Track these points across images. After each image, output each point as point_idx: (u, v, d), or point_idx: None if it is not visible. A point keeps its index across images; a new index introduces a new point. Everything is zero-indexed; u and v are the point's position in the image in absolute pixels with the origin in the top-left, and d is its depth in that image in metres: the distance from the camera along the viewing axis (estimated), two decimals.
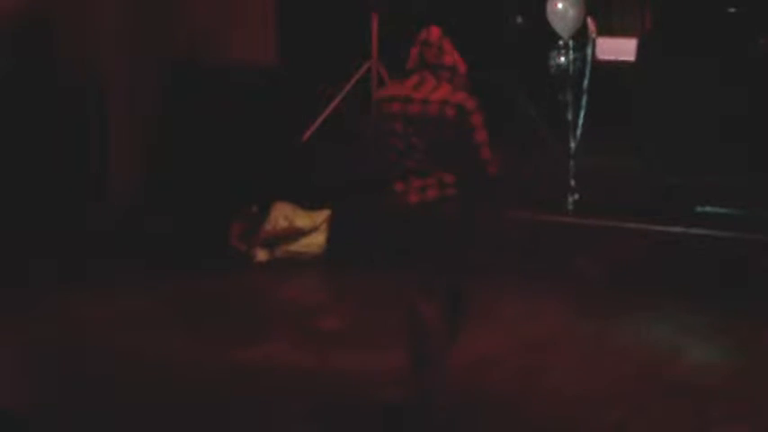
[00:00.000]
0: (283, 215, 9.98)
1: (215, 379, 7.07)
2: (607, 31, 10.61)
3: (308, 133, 10.89)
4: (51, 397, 6.78)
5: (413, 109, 6.15)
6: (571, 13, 9.39)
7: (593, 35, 9.83)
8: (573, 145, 9.62)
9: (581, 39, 9.63)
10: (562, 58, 9.52)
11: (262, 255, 9.85)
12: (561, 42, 9.49)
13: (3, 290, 8.44)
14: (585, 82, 9.66)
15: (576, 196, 9.50)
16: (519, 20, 11.41)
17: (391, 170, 6.28)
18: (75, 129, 9.62)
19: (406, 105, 6.17)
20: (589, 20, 9.71)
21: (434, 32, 6.29)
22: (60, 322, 8.05)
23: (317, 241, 9.90)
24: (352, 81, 10.94)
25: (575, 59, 9.50)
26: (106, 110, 9.80)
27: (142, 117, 10.01)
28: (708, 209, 9.30)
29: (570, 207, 9.48)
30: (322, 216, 9.98)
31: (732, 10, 9.84)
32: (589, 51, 9.74)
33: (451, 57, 6.27)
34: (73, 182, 9.53)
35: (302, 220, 9.96)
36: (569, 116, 9.62)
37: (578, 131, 9.67)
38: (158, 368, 7.21)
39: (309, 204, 10.10)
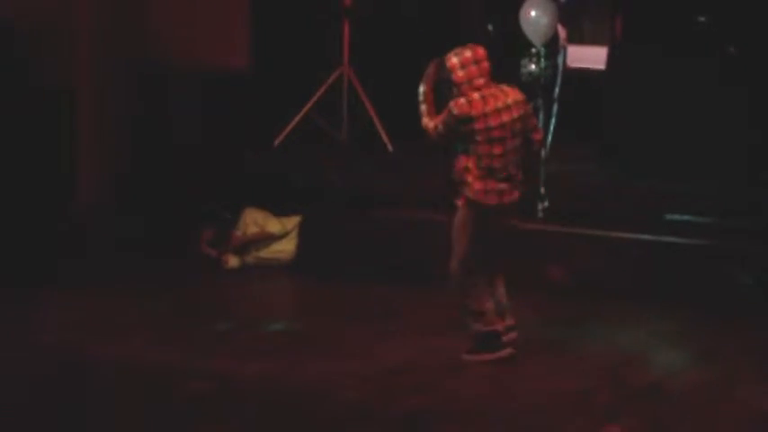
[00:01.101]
0: (254, 221, 9.97)
1: (184, 384, 7.05)
2: (578, 39, 10.65)
3: (280, 138, 10.88)
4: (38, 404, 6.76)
5: (505, 117, 7.23)
6: (544, 20, 9.41)
7: (564, 43, 9.87)
8: (543, 152, 9.63)
9: (552, 47, 9.65)
10: (533, 66, 9.53)
11: (232, 261, 9.84)
12: (533, 50, 9.50)
13: None
14: (556, 90, 9.69)
15: (546, 203, 9.52)
16: (489, 27, 11.43)
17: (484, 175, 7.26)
18: (45, 129, 9.57)
19: (500, 115, 7.22)
20: (560, 28, 9.74)
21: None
22: (26, 324, 8.02)
23: (287, 248, 9.90)
24: (323, 87, 10.93)
25: (546, 67, 9.52)
26: (76, 110, 9.75)
27: (112, 118, 9.97)
28: (677, 217, 9.33)
29: (540, 214, 9.49)
30: (293, 222, 9.98)
31: (702, 19, 9.91)
32: (560, 59, 9.78)
33: None
34: (42, 182, 9.48)
35: (273, 225, 9.95)
36: (540, 123, 9.64)
37: (549, 139, 9.69)
38: (125, 373, 7.19)
39: (280, 210, 10.09)
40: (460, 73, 7.26)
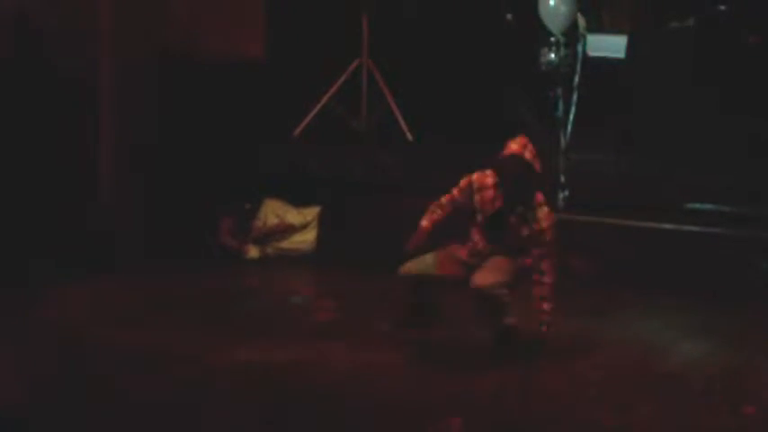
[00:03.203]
0: (274, 212, 9.99)
1: (209, 375, 7.05)
2: (597, 27, 10.62)
3: (299, 129, 10.88)
4: (50, 396, 6.75)
5: None
6: (563, 9, 9.39)
7: (584, 32, 9.84)
8: (563, 141, 9.63)
9: (572, 35, 9.63)
10: (552, 55, 9.52)
11: (253, 252, 9.86)
12: (552, 39, 9.49)
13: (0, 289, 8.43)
14: (576, 79, 9.67)
15: (567, 192, 9.51)
16: (509, 17, 11.40)
17: None
18: (65, 127, 9.59)
19: None
20: (579, 16, 9.71)
21: None
22: (56, 322, 8.03)
23: (307, 238, 9.92)
24: (342, 78, 10.92)
25: (565, 56, 9.50)
26: (96, 108, 9.77)
27: (131, 114, 9.97)
28: (698, 205, 9.32)
29: (561, 203, 9.48)
30: (312, 213, 9.99)
31: (722, 8, 9.88)
32: (580, 48, 9.75)
33: None
34: (63, 180, 9.50)
35: (293, 216, 9.97)
36: (559, 113, 9.62)
37: (568, 128, 9.67)
38: (153, 365, 7.20)
39: (300, 201, 10.11)
40: None
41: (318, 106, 10.89)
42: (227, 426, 6.39)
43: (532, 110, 10.63)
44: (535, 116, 10.60)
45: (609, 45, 10.67)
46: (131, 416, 6.47)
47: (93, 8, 9.69)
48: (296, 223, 9.93)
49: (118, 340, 7.62)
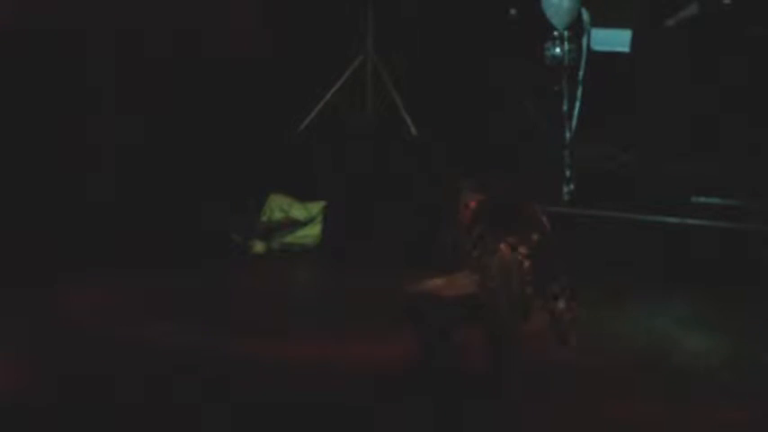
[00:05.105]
0: (279, 207, 10.00)
1: (213, 370, 7.05)
2: (602, 21, 10.60)
3: (304, 124, 10.89)
4: (51, 392, 6.76)
5: None
6: (566, 3, 9.39)
7: (588, 26, 9.84)
8: (568, 135, 9.62)
9: (576, 30, 9.63)
10: (557, 49, 9.53)
11: (258, 247, 9.86)
12: (556, 33, 9.48)
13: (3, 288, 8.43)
14: (581, 73, 9.66)
15: (572, 187, 9.51)
16: (512, 11, 11.39)
17: None
18: (59, 122, 9.60)
19: None
20: (584, 10, 9.72)
21: None
22: (57, 317, 8.03)
23: (312, 233, 9.93)
24: (346, 74, 10.93)
25: (570, 50, 9.50)
26: (97, 106, 9.79)
27: (134, 110, 9.98)
28: (704, 199, 9.31)
29: (565, 197, 9.48)
30: (317, 207, 10.01)
31: (728, 2, 9.87)
32: (584, 42, 9.75)
33: None
34: (59, 180, 9.52)
35: (298, 211, 9.98)
36: (564, 107, 9.62)
37: (573, 122, 9.67)
38: (157, 360, 7.20)
39: (304, 196, 10.11)
40: None
41: (323, 101, 10.89)
42: (225, 421, 6.40)
43: (537, 104, 10.63)
44: (540, 110, 10.60)
45: (614, 39, 10.66)
46: (130, 411, 6.47)
47: (91, 7, 9.71)
48: (301, 218, 9.94)
49: (117, 334, 7.61)
